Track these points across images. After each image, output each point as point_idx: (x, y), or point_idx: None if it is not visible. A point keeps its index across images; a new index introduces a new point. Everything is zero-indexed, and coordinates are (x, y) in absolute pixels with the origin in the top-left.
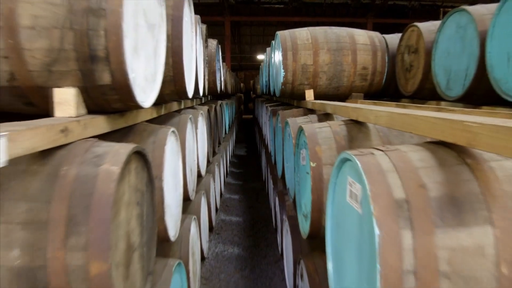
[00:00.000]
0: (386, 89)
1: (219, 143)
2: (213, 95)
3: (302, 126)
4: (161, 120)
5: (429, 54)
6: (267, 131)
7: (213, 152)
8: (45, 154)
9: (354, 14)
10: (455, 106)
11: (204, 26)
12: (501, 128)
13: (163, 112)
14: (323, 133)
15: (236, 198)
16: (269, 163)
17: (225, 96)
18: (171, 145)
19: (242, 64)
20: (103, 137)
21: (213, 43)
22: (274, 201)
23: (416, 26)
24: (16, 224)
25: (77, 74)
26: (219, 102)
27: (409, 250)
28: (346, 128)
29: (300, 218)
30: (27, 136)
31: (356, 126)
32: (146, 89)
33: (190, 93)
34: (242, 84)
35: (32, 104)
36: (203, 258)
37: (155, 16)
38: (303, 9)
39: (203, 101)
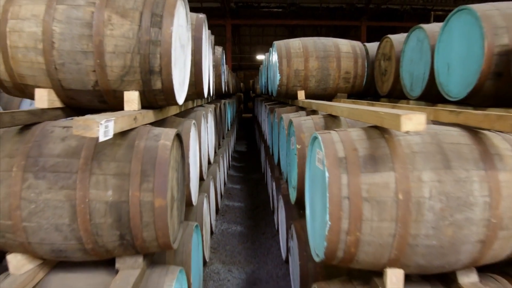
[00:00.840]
0: (368, 90)
1: (223, 138)
2: (217, 94)
3: (292, 119)
4: (182, 115)
5: (398, 61)
6: (266, 127)
7: (218, 145)
8: (124, 132)
9: (349, 17)
10: (419, 104)
11: (213, 37)
12: (393, 115)
13: (183, 108)
14: (306, 124)
15: (238, 188)
16: (267, 155)
17: (227, 95)
18: (193, 133)
19: (242, 64)
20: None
21: (218, 50)
22: (272, 187)
23: (389, 37)
24: (110, 175)
25: (139, 82)
26: (223, 101)
27: (345, 185)
28: (324, 120)
29: (290, 191)
30: (119, 121)
31: (331, 118)
32: (179, 91)
33: (206, 94)
34: (242, 84)
35: (105, 102)
36: (211, 233)
37: (185, 38)
38: (300, 13)
39: (209, 100)
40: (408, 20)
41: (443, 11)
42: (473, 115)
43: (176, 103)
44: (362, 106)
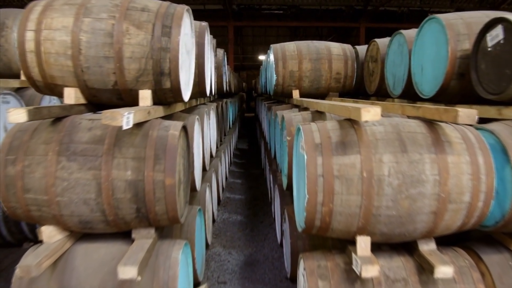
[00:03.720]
0: (358, 89)
1: (225, 135)
2: (219, 94)
3: (284, 115)
4: (186, 111)
5: (383, 63)
6: (265, 124)
7: (220, 141)
8: (140, 124)
9: (348, 19)
10: (402, 102)
11: (214, 40)
12: (355, 108)
13: (187, 106)
14: (296, 119)
15: (239, 182)
16: (266, 150)
17: (229, 95)
18: (196, 127)
19: (244, 64)
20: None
21: (220, 52)
22: (270, 179)
23: (375, 41)
24: (129, 158)
25: (152, 82)
26: (225, 100)
27: (320, 165)
28: (311, 115)
29: (283, 179)
30: (137, 114)
31: (318, 114)
32: (185, 90)
33: (208, 93)
34: (244, 84)
35: (122, 99)
36: (213, 221)
37: (190, 44)
38: (301, 15)
39: (211, 99)
40: (406, 21)
41: (440, 12)
42: (428, 109)
43: (182, 100)
44: (339, 103)
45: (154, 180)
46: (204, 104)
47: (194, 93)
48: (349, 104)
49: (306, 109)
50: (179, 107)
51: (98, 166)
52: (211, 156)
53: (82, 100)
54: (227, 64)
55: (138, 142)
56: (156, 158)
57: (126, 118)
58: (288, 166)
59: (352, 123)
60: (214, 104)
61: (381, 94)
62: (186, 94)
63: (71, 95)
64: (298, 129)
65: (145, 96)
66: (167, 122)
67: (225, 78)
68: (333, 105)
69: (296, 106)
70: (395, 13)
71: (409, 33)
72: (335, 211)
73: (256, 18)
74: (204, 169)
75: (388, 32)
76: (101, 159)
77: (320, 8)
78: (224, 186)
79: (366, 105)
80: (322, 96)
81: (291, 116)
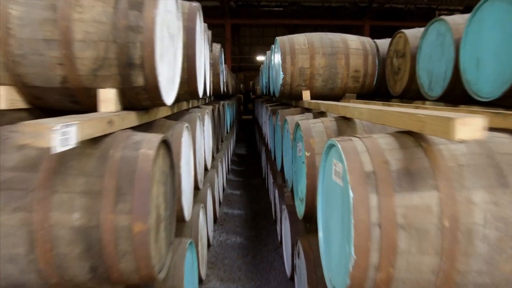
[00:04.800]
0: (378, 90)
1: (222, 141)
2: (216, 95)
3: (299, 122)
4: (174, 117)
5: (414, 58)
6: (267, 130)
7: (216, 149)
8: (96, 140)
9: (352, 16)
10: (437, 105)
11: (210, 32)
12: (440, 118)
13: (176, 110)
14: (316, 128)
15: (238, 194)
16: (269, 159)
17: (227, 96)
18: (185, 138)
19: (242, 65)
20: (132, 129)
21: (217, 47)
22: (274, 194)
23: (403, 32)
24: (77, 193)
25: (117, 78)
26: (222, 102)
27: (374, 208)
28: (336, 123)
29: (297, 203)
30: (87, 125)
31: (344, 121)
32: (168, 89)
33: (201, 93)
34: (241, 85)
35: (77, 102)
36: (208, 245)
37: (175, 28)
38: (302, 12)
39: (207, 101)
40: (411, 20)
41: (448, 10)
42: None
43: (162, 104)
44: (388, 107)
45: (116, 225)
46: (197, 107)
47: (183, 93)
48: (416, 111)
49: (322, 114)
50: (162, 112)
51: (30, 205)
52: (206, 169)
53: (21, 104)
54: (225, 63)
55: (92, 168)
56: (119, 193)
57: (60, 134)
58: (307, 191)
59: (416, 139)
60: (210, 107)
61: (409, 96)
62: (169, 95)
63: (1, 98)
64: (331, 146)
65: (108, 97)
66: (139, 136)
67: (223, 78)
68: (380, 111)
69: (307, 110)
70: (401, 11)
71: (454, 19)
72: (397, 279)
73: (255, 15)
74: (196, 187)
75: (393, 31)
76: (35, 195)
77: (322, 5)
78: (221, 200)
79: (453, 113)
80: (337, 98)
81: (309, 124)
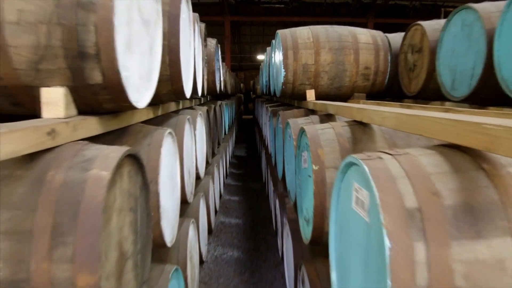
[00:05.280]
0: (388, 89)
1: (219, 144)
2: (212, 95)
3: (304, 127)
4: (158, 121)
5: (433, 53)
6: (267, 132)
7: (212, 153)
8: (31, 158)
9: (354, 14)
10: (461, 106)
11: (203, 25)
12: None
13: (160, 112)
14: (325, 135)
15: (236, 200)
16: (269, 164)
17: (225, 96)
18: (167, 147)
19: (242, 64)
20: (96, 139)
21: (212, 42)
22: (275, 203)
23: (420, 24)
24: None
25: (65, 73)
26: (219, 102)
27: (422, 264)
28: (350, 129)
29: (302, 222)
30: (9, 139)
31: (360, 127)
32: (140, 88)
33: (188, 93)
34: (242, 85)
35: (19, 105)
36: (201, 262)
37: (151, 12)
38: (303, 9)
39: (202, 102)
40: (416, 17)
41: (454, 7)
42: None
43: (130, 107)
44: (424, 112)
45: (53, 278)
46: (190, 108)
47: (166, 93)
48: (472, 118)
49: (329, 117)
50: (139, 116)
51: None
52: (198, 178)
53: None
54: (223, 61)
55: (21, 198)
56: (57, 232)
57: None
58: (315, 213)
59: (473, 158)
60: (204, 108)
61: (425, 96)
62: (143, 95)
63: None
64: (350, 165)
65: (52, 98)
66: (92, 151)
67: (219, 76)
68: (416, 117)
69: (311, 111)
70: (406, 8)
71: (484, 7)
72: None
73: (255, 13)
74: (184, 201)
75: (397, 29)
76: None
77: (324, 1)
78: (217, 208)
79: None
80: (344, 98)
81: (316, 130)
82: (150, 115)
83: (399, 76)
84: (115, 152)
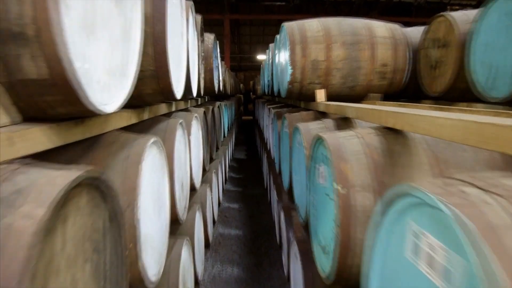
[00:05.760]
0: (405, 89)
1: (217, 148)
2: (210, 95)
3: (323, 136)
4: (144, 127)
5: (462, 48)
6: (269, 136)
7: (210, 158)
8: None
9: (357, 12)
10: (496, 108)
11: (200, 17)
12: None
13: (146, 116)
14: (351, 145)
15: (236, 208)
16: (272, 170)
17: (224, 97)
18: (152, 160)
19: (242, 64)
20: (56, 154)
21: (210, 37)
22: (279, 215)
23: (445, 16)
24: None
25: None
26: (218, 103)
27: None
28: (379, 139)
29: (316, 248)
30: None
31: (391, 135)
32: (110, 86)
33: (179, 93)
34: (241, 85)
35: None
36: (197, 283)
37: None
38: (304, 7)
39: (199, 103)
40: (420, 15)
41: (460, 5)
42: None
43: (91, 112)
44: (499, 119)
45: None
46: (185, 110)
47: (151, 93)
48: None
49: (346, 120)
50: (116, 121)
51: None
52: (193, 189)
53: None
54: (222, 60)
55: None
56: None
57: None
58: (339, 248)
59: None
60: (201, 110)
61: (451, 97)
62: (113, 96)
63: None
64: (402, 196)
65: None
66: (30, 175)
67: (217, 74)
68: (503, 127)
69: (322, 113)
70: (410, 5)
71: None
72: None
73: (255, 11)
74: (175, 221)
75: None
76: None
77: None
78: (215, 218)
79: None
80: (358, 98)
81: (338, 139)
82: (133, 119)
83: (419, 75)
84: (61, 178)
